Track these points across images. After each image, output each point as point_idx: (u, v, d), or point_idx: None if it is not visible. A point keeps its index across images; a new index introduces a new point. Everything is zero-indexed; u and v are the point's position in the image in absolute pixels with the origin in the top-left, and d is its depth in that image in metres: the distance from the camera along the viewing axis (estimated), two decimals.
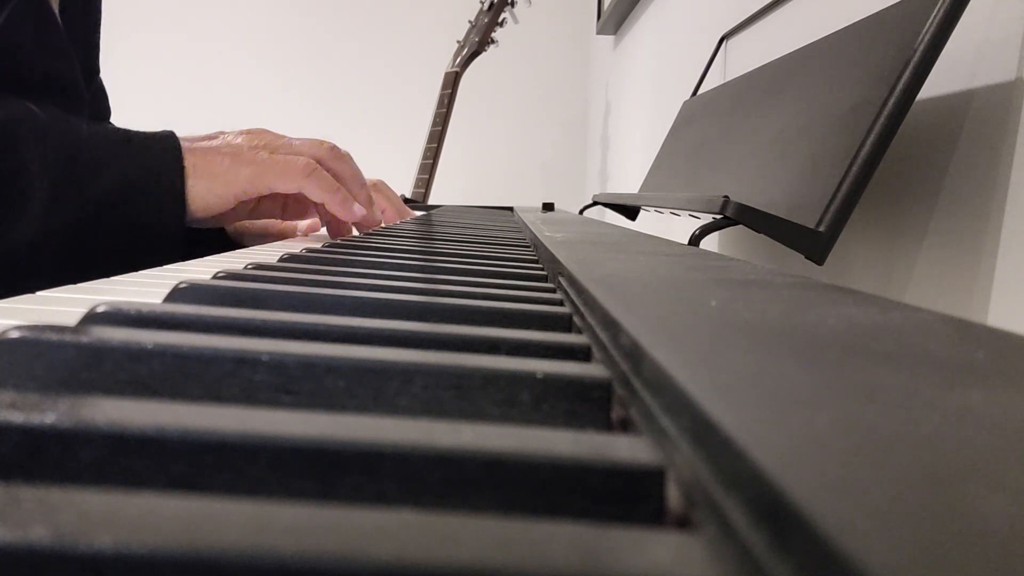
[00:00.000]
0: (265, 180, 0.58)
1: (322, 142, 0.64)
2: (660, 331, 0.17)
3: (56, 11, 0.66)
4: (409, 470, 0.12)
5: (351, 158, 0.67)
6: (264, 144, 0.61)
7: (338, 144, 0.67)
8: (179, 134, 0.61)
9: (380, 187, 0.87)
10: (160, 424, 0.12)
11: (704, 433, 0.11)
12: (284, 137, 0.63)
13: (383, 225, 0.84)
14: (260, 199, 0.68)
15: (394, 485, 0.12)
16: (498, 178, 2.91)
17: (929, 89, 0.54)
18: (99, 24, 0.80)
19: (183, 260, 0.43)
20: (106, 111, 0.87)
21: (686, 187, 0.92)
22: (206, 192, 0.58)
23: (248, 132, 0.63)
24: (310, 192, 0.59)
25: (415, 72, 2.80)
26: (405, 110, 2.79)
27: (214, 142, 0.61)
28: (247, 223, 0.81)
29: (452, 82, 2.05)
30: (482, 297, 0.28)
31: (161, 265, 0.38)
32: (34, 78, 0.63)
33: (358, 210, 0.62)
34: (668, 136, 1.17)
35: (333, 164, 0.63)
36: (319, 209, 0.65)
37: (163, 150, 0.58)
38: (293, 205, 0.71)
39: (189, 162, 0.58)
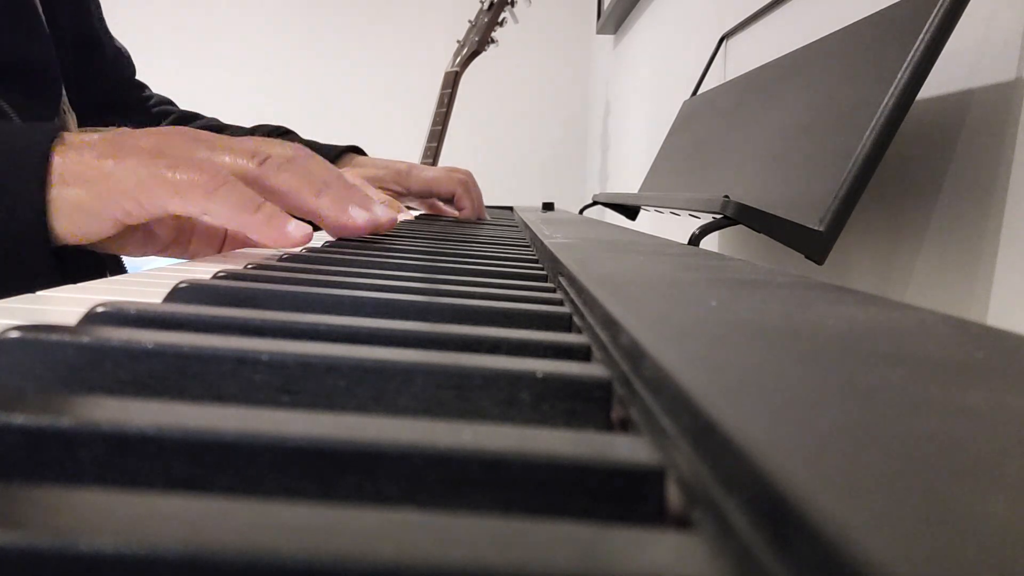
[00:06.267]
0: (154, 197, 0.41)
1: (254, 152, 0.46)
2: (660, 331, 0.17)
3: None
4: (409, 470, 0.12)
5: (301, 159, 0.48)
6: (171, 150, 0.43)
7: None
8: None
9: (470, 186, 0.89)
10: (160, 424, 0.12)
11: (704, 433, 0.11)
12: (210, 143, 0.45)
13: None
14: (190, 233, 0.52)
15: (394, 485, 0.12)
16: (498, 178, 2.91)
17: (929, 89, 0.54)
18: None
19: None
20: (126, 74, 0.86)
21: (686, 187, 0.92)
22: (74, 207, 0.42)
23: (161, 133, 0.45)
24: (217, 216, 0.42)
25: (415, 72, 2.80)
26: (405, 110, 2.79)
27: (103, 141, 0.44)
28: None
29: (452, 82, 2.05)
30: (482, 297, 0.28)
31: (26, 291, 0.29)
32: (4, 60, 0.59)
33: (295, 229, 0.43)
34: (668, 136, 1.17)
35: (268, 180, 0.45)
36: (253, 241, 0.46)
37: (25, 144, 0.42)
38: (232, 244, 0.53)
39: (59, 167, 0.41)
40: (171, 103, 0.94)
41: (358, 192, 0.51)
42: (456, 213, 0.96)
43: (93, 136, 0.44)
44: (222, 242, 0.54)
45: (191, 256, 0.52)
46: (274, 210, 0.43)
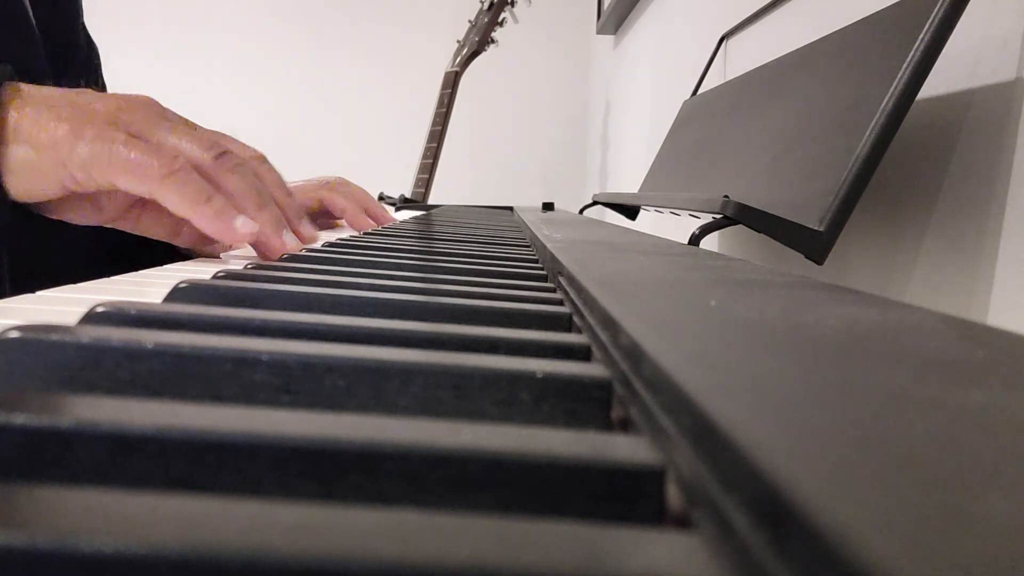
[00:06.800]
0: (105, 170, 0.41)
1: (216, 143, 0.46)
2: (660, 331, 0.17)
3: None
4: (409, 470, 0.12)
5: (257, 166, 0.48)
6: (129, 122, 0.43)
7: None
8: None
9: (336, 186, 0.79)
10: (160, 424, 0.12)
11: (704, 433, 0.11)
12: (170, 124, 0.45)
13: (340, 226, 0.81)
14: (140, 209, 0.50)
15: (394, 485, 0.12)
16: (498, 178, 2.91)
17: (929, 89, 0.54)
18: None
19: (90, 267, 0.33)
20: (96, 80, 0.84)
21: (686, 187, 0.92)
22: (23, 166, 0.41)
23: (122, 101, 0.45)
24: (166, 201, 0.42)
25: (415, 72, 2.80)
26: (405, 110, 2.79)
27: (63, 100, 0.43)
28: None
29: (452, 82, 2.05)
30: (482, 297, 0.28)
31: None
32: None
33: (242, 225, 0.43)
34: (668, 136, 1.17)
35: (219, 176, 0.45)
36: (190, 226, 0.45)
37: None
38: (189, 228, 0.50)
39: (12, 120, 0.41)
40: None
41: (295, 208, 0.51)
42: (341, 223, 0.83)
43: (53, 92, 0.44)
44: (177, 224, 0.51)
45: (142, 232, 0.51)
46: (224, 204, 0.43)
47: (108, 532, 0.09)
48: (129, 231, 0.51)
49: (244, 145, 0.50)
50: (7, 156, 0.41)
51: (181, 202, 0.42)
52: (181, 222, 0.51)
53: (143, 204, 0.50)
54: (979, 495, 0.08)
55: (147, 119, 0.44)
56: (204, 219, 0.43)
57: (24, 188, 0.43)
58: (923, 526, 0.08)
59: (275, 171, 0.51)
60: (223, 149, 0.46)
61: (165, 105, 0.48)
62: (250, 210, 0.45)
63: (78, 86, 0.77)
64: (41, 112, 0.42)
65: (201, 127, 0.47)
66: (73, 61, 0.76)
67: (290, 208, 0.50)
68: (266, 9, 2.86)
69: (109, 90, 0.85)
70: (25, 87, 0.43)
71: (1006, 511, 0.08)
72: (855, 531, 0.07)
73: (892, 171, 0.61)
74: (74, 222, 0.48)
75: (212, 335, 0.19)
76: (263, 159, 0.50)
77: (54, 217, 0.47)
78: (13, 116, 0.41)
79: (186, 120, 0.47)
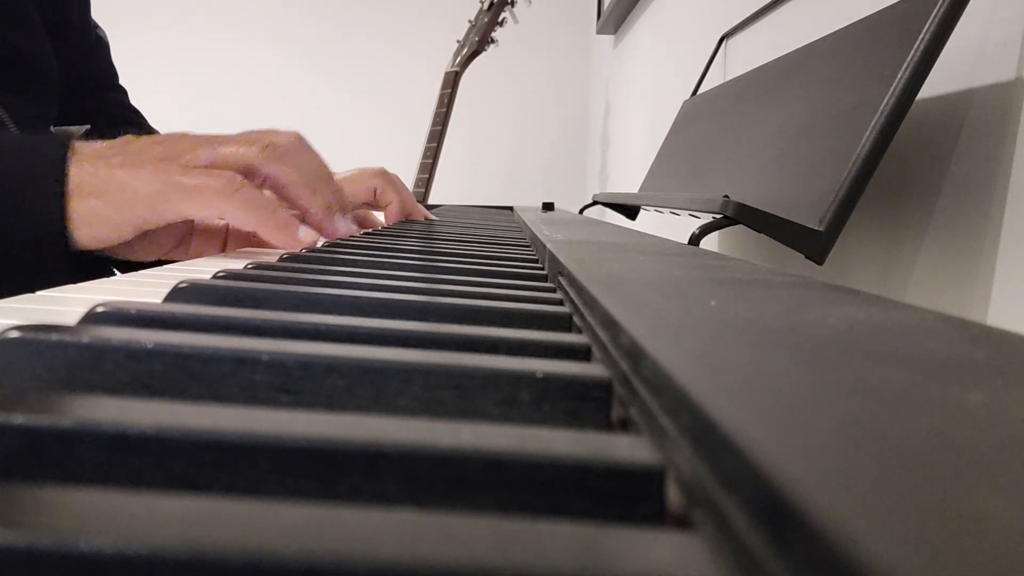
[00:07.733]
0: (172, 204, 0.44)
1: (255, 140, 0.48)
2: (660, 331, 0.17)
3: None
4: (409, 470, 0.12)
5: (301, 151, 0.51)
6: (178, 154, 0.46)
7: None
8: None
9: (393, 180, 0.79)
10: (160, 424, 0.12)
11: (704, 433, 0.11)
12: (210, 140, 0.48)
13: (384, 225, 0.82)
14: (190, 236, 0.55)
15: (394, 485, 0.12)
16: (498, 178, 2.91)
17: (929, 89, 0.54)
18: None
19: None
20: (107, 74, 0.83)
21: (686, 187, 0.92)
22: (93, 217, 0.44)
23: (164, 139, 0.48)
24: (234, 219, 0.45)
25: (415, 72, 2.80)
26: (405, 110, 2.79)
27: (112, 151, 0.46)
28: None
29: (452, 82, 2.05)
30: (482, 297, 0.28)
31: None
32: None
33: (305, 235, 0.47)
34: (668, 136, 1.17)
35: (270, 168, 0.48)
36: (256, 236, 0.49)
37: (42, 157, 0.45)
38: (234, 244, 0.55)
39: (75, 179, 0.44)
40: (136, 122, 0.88)
41: (342, 195, 0.55)
42: (381, 220, 0.83)
43: (103, 145, 0.47)
44: (223, 243, 0.56)
45: (194, 256, 0.55)
46: (288, 216, 0.47)
47: (108, 532, 0.09)
48: (183, 258, 0.55)
49: (278, 131, 0.53)
50: (74, 210, 0.44)
51: (247, 218, 0.45)
52: (227, 239, 0.57)
53: (191, 232, 0.55)
54: (979, 495, 0.08)
55: (191, 146, 0.47)
56: (270, 231, 0.46)
57: (96, 237, 0.45)
58: (923, 526, 0.08)
59: (314, 154, 0.53)
60: (268, 142, 0.49)
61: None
62: (304, 195, 0.49)
63: (79, 73, 0.76)
64: (98, 164, 0.45)
65: (237, 133, 0.51)
66: (76, 45, 0.76)
67: (340, 197, 0.54)
68: (266, 9, 2.86)
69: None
70: (79, 144, 0.46)
71: (1006, 511, 0.08)
72: (855, 531, 0.07)
73: (892, 171, 0.61)
74: (138, 259, 0.52)
75: (212, 335, 0.19)
76: (299, 140, 0.52)
77: (120, 258, 0.50)
78: (74, 171, 0.44)
79: (217, 134, 0.49)
